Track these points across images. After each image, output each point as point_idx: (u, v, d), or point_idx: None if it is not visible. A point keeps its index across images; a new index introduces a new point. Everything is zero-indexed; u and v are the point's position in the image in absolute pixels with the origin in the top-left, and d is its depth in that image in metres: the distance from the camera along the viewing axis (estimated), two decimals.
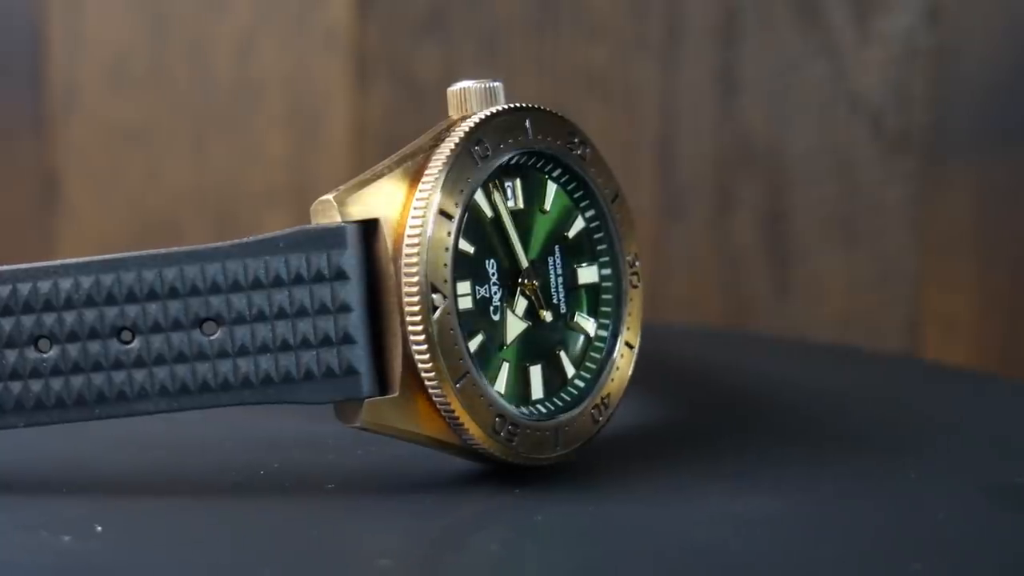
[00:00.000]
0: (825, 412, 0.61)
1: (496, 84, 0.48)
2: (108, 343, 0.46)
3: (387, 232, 0.45)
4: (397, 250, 0.45)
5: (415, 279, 0.45)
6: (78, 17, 0.96)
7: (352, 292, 0.46)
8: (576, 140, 0.48)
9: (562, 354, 0.49)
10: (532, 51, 0.93)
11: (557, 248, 0.49)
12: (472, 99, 0.47)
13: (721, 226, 0.92)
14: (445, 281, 0.45)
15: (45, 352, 0.47)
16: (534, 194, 0.49)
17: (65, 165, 0.97)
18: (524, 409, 0.47)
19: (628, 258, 0.49)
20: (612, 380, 0.49)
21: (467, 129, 0.46)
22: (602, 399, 0.49)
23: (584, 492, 0.47)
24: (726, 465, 0.51)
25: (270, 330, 0.46)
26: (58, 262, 0.48)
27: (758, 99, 0.91)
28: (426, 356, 0.45)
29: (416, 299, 0.45)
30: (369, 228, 0.46)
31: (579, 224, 0.49)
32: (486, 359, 0.47)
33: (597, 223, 0.49)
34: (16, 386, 0.47)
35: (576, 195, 0.49)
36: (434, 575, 0.42)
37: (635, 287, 0.50)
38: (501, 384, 0.47)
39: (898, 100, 0.89)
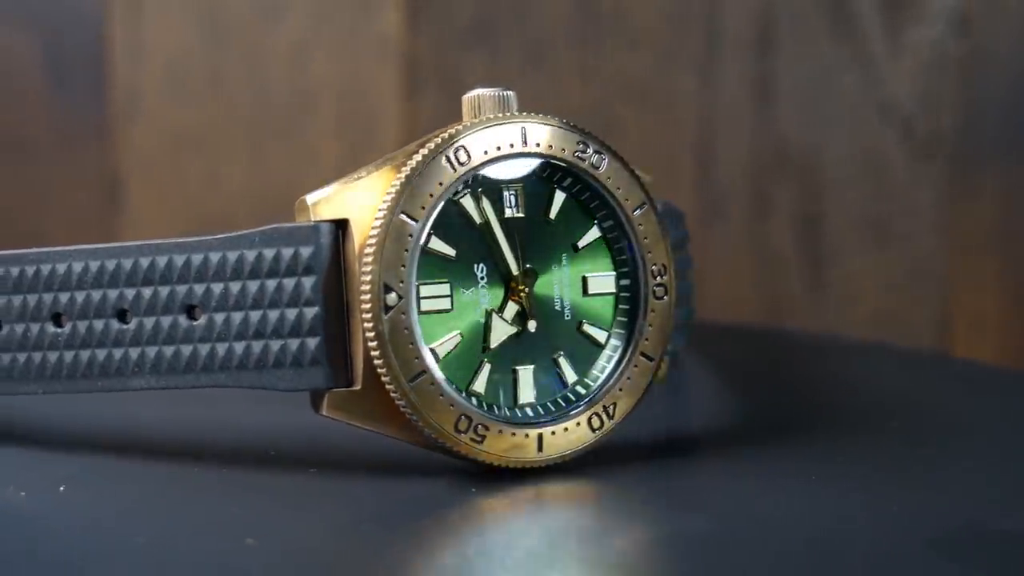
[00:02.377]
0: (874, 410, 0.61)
1: (509, 92, 0.47)
2: (110, 322, 0.50)
3: (355, 232, 0.46)
4: (361, 249, 0.46)
5: (368, 277, 0.45)
6: (139, 26, 0.97)
7: (318, 287, 0.46)
8: (588, 149, 0.47)
9: (563, 360, 0.48)
10: (576, 60, 0.94)
11: (564, 256, 0.48)
12: (485, 106, 0.47)
13: (758, 229, 0.93)
14: (401, 281, 0.45)
15: (61, 328, 0.51)
16: (537, 203, 0.48)
17: (127, 169, 0.98)
18: (509, 411, 0.47)
19: (653, 268, 0.48)
20: (620, 390, 0.48)
21: (446, 135, 0.46)
22: (605, 408, 0.47)
23: (546, 497, 0.46)
24: (732, 462, 0.51)
25: (244, 318, 0.47)
26: (72, 247, 0.51)
27: (793, 106, 0.92)
28: (377, 353, 0.45)
29: (368, 297, 0.45)
30: (341, 227, 0.46)
31: (593, 233, 0.48)
32: (464, 360, 0.47)
33: (616, 233, 0.48)
34: (37, 356, 0.51)
35: (592, 204, 0.48)
36: (295, 558, 0.41)
37: (659, 299, 0.48)
38: (480, 384, 0.47)
39: (928, 107, 0.91)
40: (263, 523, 0.44)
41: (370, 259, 0.45)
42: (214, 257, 0.48)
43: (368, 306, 0.45)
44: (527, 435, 0.46)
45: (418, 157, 0.45)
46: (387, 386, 0.45)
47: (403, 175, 0.45)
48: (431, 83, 0.93)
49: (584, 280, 0.48)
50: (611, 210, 0.48)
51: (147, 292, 0.49)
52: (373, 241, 0.45)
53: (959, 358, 0.89)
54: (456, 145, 0.45)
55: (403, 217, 0.45)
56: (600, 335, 0.48)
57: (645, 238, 0.48)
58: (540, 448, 0.46)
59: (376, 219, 0.45)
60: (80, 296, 0.50)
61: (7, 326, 0.52)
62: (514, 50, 0.94)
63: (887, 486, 0.47)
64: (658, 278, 0.48)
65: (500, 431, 0.46)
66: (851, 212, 0.92)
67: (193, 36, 0.97)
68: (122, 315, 0.49)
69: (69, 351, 0.51)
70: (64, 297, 0.51)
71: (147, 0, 0.97)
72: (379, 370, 0.45)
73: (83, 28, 0.98)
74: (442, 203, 0.46)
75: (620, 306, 0.48)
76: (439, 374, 0.46)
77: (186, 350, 0.48)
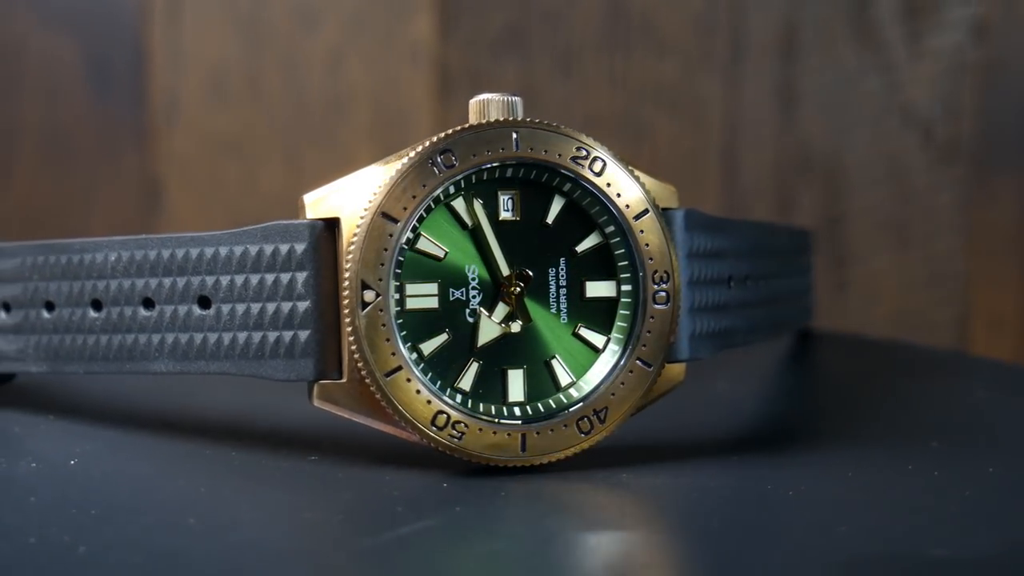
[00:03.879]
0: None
1: (515, 98, 0.48)
2: (137, 309, 0.52)
3: (344, 230, 0.46)
4: (347, 247, 0.46)
5: (347, 275, 0.46)
6: (178, 35, 0.98)
7: (309, 282, 0.47)
8: (587, 155, 0.47)
9: (556, 362, 0.48)
10: (605, 66, 0.94)
11: (562, 260, 0.48)
12: (491, 110, 0.47)
13: None
14: (380, 279, 0.45)
15: (99, 312, 0.54)
16: (534, 207, 0.48)
17: (167, 174, 0.99)
18: (495, 409, 0.47)
19: (655, 275, 0.47)
20: (613, 395, 0.47)
21: (434, 139, 0.46)
22: (596, 412, 0.47)
23: (509, 496, 0.45)
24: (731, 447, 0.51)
25: (246, 310, 0.48)
26: (107, 238, 0.54)
27: (816, 111, 0.94)
28: (354, 348, 0.46)
29: (347, 293, 0.46)
30: (335, 226, 0.47)
31: (594, 239, 0.48)
32: (449, 357, 0.47)
33: (617, 239, 0.48)
34: (80, 338, 0.54)
35: (593, 210, 0.48)
36: (225, 531, 0.42)
37: (660, 305, 0.47)
38: (467, 382, 0.47)
39: (947, 111, 0.92)
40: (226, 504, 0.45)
41: (350, 257, 0.45)
42: (223, 251, 0.49)
43: (347, 302, 0.46)
44: (509, 434, 0.46)
45: (403, 160, 0.46)
46: (366, 380, 0.46)
47: (388, 178, 0.46)
48: (463, 88, 0.94)
49: (583, 285, 0.48)
50: (612, 216, 0.47)
51: (167, 282, 0.51)
52: (354, 240, 0.45)
53: (976, 354, 0.90)
54: (443, 149, 0.46)
55: (383, 218, 0.45)
56: (598, 340, 0.48)
57: (646, 244, 0.47)
58: (523, 448, 0.46)
59: (360, 218, 0.46)
60: (114, 284, 0.53)
61: (59, 309, 0.55)
62: (544, 56, 0.95)
63: None
64: (660, 284, 0.47)
65: (480, 429, 0.46)
66: (873, 214, 0.94)
67: (231, 44, 0.98)
68: (147, 303, 0.52)
69: (104, 335, 0.53)
70: (102, 284, 0.53)
71: (187, 10, 0.97)
72: (358, 364, 0.46)
73: (125, 37, 0.99)
74: (426, 205, 0.46)
75: (621, 311, 0.48)
76: (416, 370, 0.46)
77: (198, 338, 0.50)
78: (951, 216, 0.93)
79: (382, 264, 0.46)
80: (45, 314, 0.55)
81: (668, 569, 0.38)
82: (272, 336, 0.48)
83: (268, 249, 0.48)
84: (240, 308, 0.49)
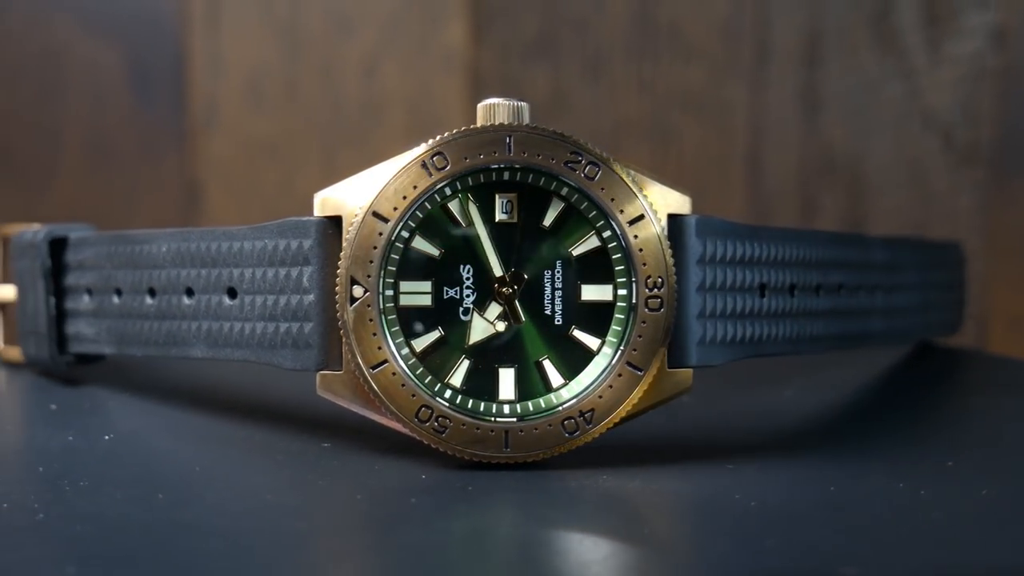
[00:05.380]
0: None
1: (522, 104, 0.48)
2: (181, 298, 0.54)
3: (345, 228, 0.47)
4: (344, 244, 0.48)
5: (339, 271, 0.47)
6: (218, 40, 0.99)
7: (314, 277, 0.48)
8: (581, 160, 0.47)
9: (548, 363, 0.48)
10: (633, 72, 0.96)
11: (558, 263, 0.48)
12: (499, 114, 0.48)
13: None
14: (368, 276, 0.46)
15: (154, 299, 0.56)
16: (532, 210, 0.48)
17: (206, 176, 1.00)
18: (484, 406, 0.47)
19: (648, 280, 0.47)
20: (600, 397, 0.47)
21: (429, 142, 0.47)
22: (582, 413, 0.47)
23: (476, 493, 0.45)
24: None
25: (263, 301, 0.50)
26: (158, 230, 0.57)
27: (839, 116, 0.95)
28: (344, 340, 0.47)
29: (338, 288, 0.47)
30: (339, 222, 0.48)
31: (592, 243, 0.48)
32: (442, 354, 0.48)
33: (615, 243, 0.47)
34: (138, 323, 0.57)
35: (590, 214, 0.47)
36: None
37: (652, 311, 0.47)
38: (458, 379, 0.48)
39: (967, 116, 0.93)
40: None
41: (343, 253, 0.47)
42: (247, 245, 0.51)
43: (338, 297, 0.47)
44: (492, 431, 0.47)
45: (399, 161, 0.47)
46: (356, 371, 0.47)
47: (382, 178, 0.47)
48: (494, 93, 0.90)
49: (579, 287, 0.48)
50: (607, 221, 0.47)
51: (204, 273, 0.53)
52: (347, 238, 0.47)
53: (994, 353, 0.89)
54: (435, 152, 0.47)
55: (374, 217, 0.46)
56: (592, 342, 0.48)
57: (640, 250, 0.47)
58: (507, 445, 0.47)
59: (355, 216, 0.47)
60: (164, 274, 0.55)
61: (124, 296, 0.58)
62: (574, 62, 0.96)
63: None
64: (653, 290, 0.47)
65: (463, 424, 0.47)
66: (894, 216, 0.94)
67: (269, 50, 0.99)
68: (189, 292, 0.54)
69: (156, 321, 0.56)
70: (155, 274, 0.56)
71: (225, 16, 0.99)
72: (348, 356, 0.47)
73: (165, 43, 1.00)
74: (418, 205, 0.47)
75: (616, 316, 0.48)
76: (401, 364, 0.47)
77: (226, 326, 0.52)
78: (970, 218, 0.93)
79: (371, 261, 0.46)
80: (115, 300, 0.58)
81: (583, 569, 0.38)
82: (283, 327, 0.49)
83: (282, 244, 0.49)
84: (259, 300, 0.50)
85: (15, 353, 0.68)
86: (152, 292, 0.56)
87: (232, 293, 0.52)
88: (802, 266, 0.53)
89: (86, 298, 0.61)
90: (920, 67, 0.93)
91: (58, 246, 0.63)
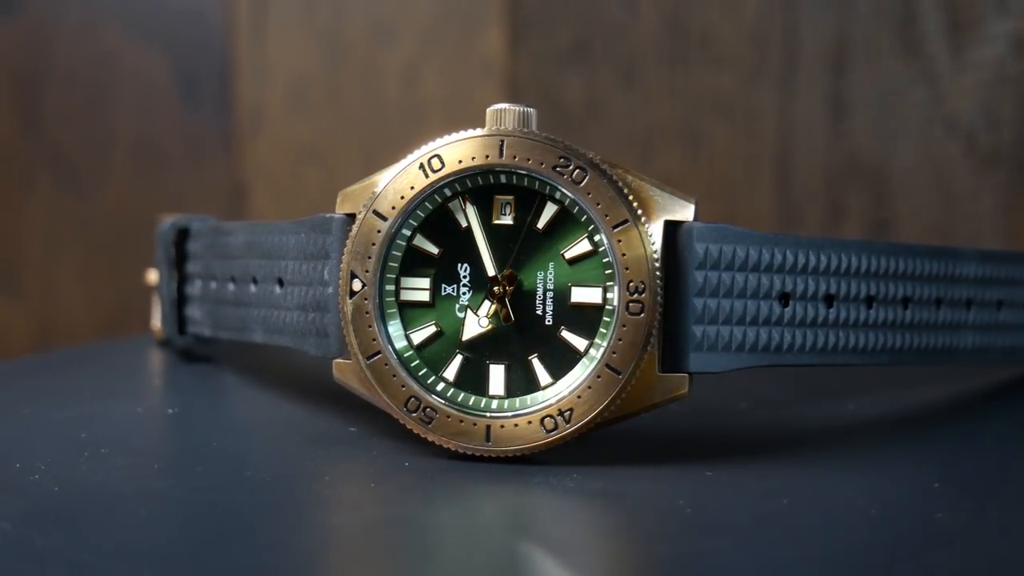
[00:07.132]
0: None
1: (530, 109, 0.49)
2: (248, 287, 0.57)
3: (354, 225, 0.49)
4: None
5: (342, 266, 0.49)
6: (263, 48, 1.01)
7: (332, 270, 0.50)
8: (569, 165, 0.47)
9: (536, 361, 0.48)
10: (665, 78, 0.97)
11: (551, 265, 0.48)
12: (507, 119, 0.48)
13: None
14: (367, 271, 0.48)
15: (235, 286, 0.59)
16: (528, 212, 0.48)
17: (251, 179, 1.02)
18: (474, 400, 0.48)
19: (630, 284, 0.47)
20: (579, 397, 0.47)
21: (429, 145, 0.48)
22: (561, 412, 0.47)
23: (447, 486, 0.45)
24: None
25: (298, 291, 0.52)
26: (236, 223, 0.60)
27: (865, 121, 0.96)
28: (344, 332, 0.49)
29: (340, 282, 0.49)
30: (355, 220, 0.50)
31: (584, 246, 0.48)
32: (439, 348, 0.49)
33: (604, 247, 0.48)
34: (225, 309, 0.61)
35: (583, 218, 0.48)
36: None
37: (633, 315, 0.47)
38: (451, 373, 0.49)
39: (989, 121, 0.94)
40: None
41: (345, 249, 0.48)
42: (287, 239, 0.53)
43: (340, 290, 0.49)
44: (475, 424, 0.48)
45: (400, 164, 0.48)
46: (355, 361, 0.49)
47: (384, 178, 0.49)
48: (531, 99, 0.91)
49: (569, 289, 0.48)
50: (595, 225, 0.47)
51: (264, 264, 0.56)
52: (351, 234, 0.48)
53: None
54: (432, 154, 0.48)
55: (374, 215, 0.48)
56: (580, 343, 0.48)
57: (623, 254, 0.47)
58: (488, 439, 0.47)
59: (359, 214, 0.48)
60: (240, 263, 0.58)
61: (217, 283, 0.61)
62: (608, 69, 0.98)
63: None
64: (634, 295, 0.47)
65: (448, 416, 0.48)
66: (918, 218, 0.96)
67: (313, 57, 1.01)
68: (255, 281, 0.57)
69: (236, 307, 0.59)
70: (235, 263, 0.59)
71: (270, 24, 1.01)
72: (348, 346, 0.49)
73: (211, 50, 1.02)
74: (416, 205, 0.48)
75: (604, 319, 0.48)
76: (394, 356, 0.48)
77: (275, 314, 0.54)
78: (992, 220, 0.95)
79: (369, 257, 0.48)
80: (212, 286, 0.62)
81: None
82: (310, 316, 0.51)
83: (311, 239, 0.52)
84: (297, 290, 0.52)
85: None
86: (233, 280, 0.59)
87: (280, 283, 0.54)
88: (835, 275, 0.51)
89: (198, 283, 0.65)
90: (943, 73, 0.94)
91: (182, 235, 0.67)
